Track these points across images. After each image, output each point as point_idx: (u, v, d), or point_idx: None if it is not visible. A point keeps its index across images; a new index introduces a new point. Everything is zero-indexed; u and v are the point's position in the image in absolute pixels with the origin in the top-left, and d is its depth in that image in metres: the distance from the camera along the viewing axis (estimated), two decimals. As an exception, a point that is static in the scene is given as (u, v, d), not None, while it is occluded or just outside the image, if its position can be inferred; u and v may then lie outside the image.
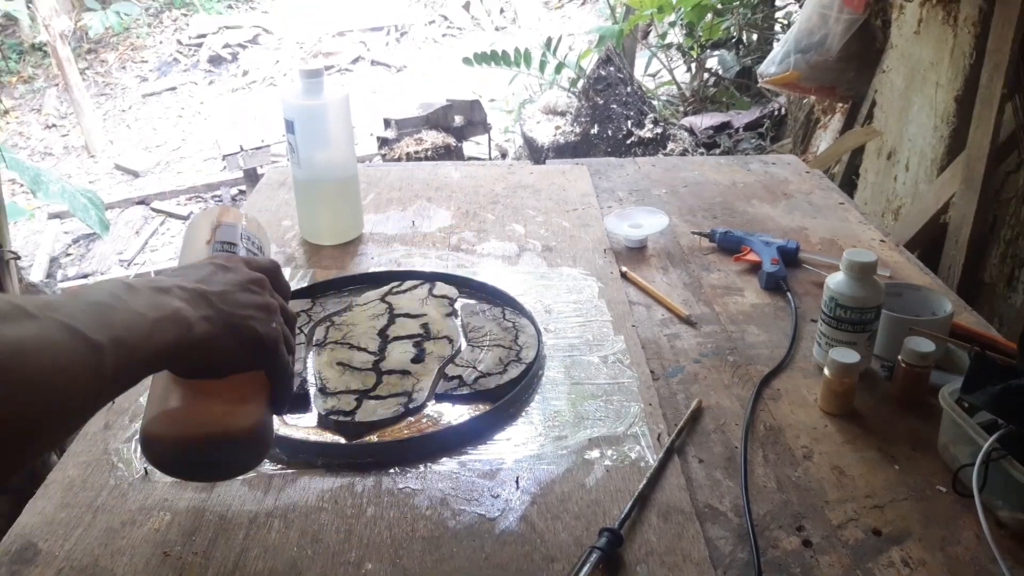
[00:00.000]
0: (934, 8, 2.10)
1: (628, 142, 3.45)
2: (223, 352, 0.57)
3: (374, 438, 0.80)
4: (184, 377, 0.58)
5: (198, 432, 0.56)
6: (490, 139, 3.76)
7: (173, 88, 6.22)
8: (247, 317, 0.58)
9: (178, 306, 0.53)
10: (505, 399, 0.84)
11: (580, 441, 0.79)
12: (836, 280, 0.87)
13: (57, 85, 5.92)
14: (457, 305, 1.02)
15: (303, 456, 0.77)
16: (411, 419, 0.82)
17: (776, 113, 3.71)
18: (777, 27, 4.06)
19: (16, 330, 0.43)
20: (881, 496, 0.73)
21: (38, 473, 0.77)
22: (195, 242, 0.74)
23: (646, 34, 4.86)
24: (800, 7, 3.14)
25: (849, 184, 2.59)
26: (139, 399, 0.84)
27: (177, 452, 0.56)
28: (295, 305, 1.00)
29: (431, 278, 1.07)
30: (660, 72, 4.66)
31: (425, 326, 0.95)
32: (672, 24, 4.26)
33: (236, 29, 6.77)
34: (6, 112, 5.86)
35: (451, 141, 3.32)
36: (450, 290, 1.04)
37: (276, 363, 0.60)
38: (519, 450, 0.78)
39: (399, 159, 3.18)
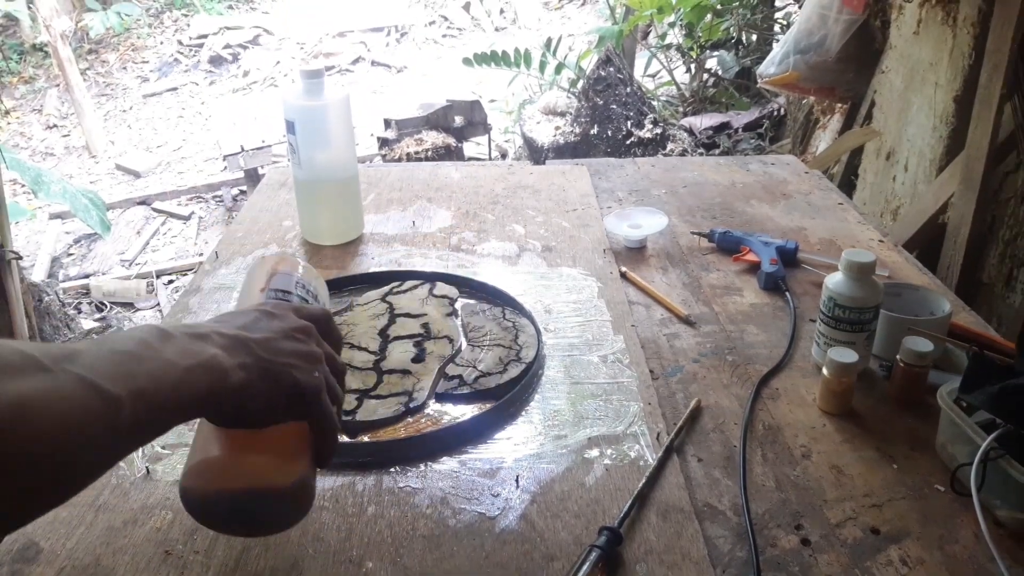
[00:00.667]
0: (933, 8, 2.10)
1: (628, 142, 3.45)
2: (260, 401, 0.54)
3: (366, 438, 0.80)
4: (222, 426, 0.56)
5: (233, 485, 0.54)
6: (490, 139, 3.77)
7: (174, 88, 6.22)
8: (287, 365, 0.55)
9: (214, 352, 0.51)
10: (505, 398, 0.84)
11: (580, 440, 0.80)
12: (835, 280, 0.87)
13: (58, 85, 5.92)
14: (457, 305, 1.03)
15: (304, 455, 0.77)
16: (411, 419, 0.82)
17: (775, 113, 3.71)
18: (776, 28, 4.06)
19: (22, 385, 0.41)
20: (879, 495, 0.73)
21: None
22: (251, 290, 0.73)
23: (646, 35, 4.87)
24: (799, 7, 3.15)
25: (848, 184, 2.59)
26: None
27: (211, 504, 0.55)
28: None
29: (431, 278, 1.07)
30: (660, 72, 4.67)
31: (425, 326, 0.96)
32: (672, 25, 4.26)
33: (237, 30, 6.77)
34: (7, 112, 5.87)
35: (451, 141, 3.32)
36: (450, 290, 1.05)
37: (317, 413, 0.57)
38: (519, 449, 0.79)
39: (399, 159, 3.18)
